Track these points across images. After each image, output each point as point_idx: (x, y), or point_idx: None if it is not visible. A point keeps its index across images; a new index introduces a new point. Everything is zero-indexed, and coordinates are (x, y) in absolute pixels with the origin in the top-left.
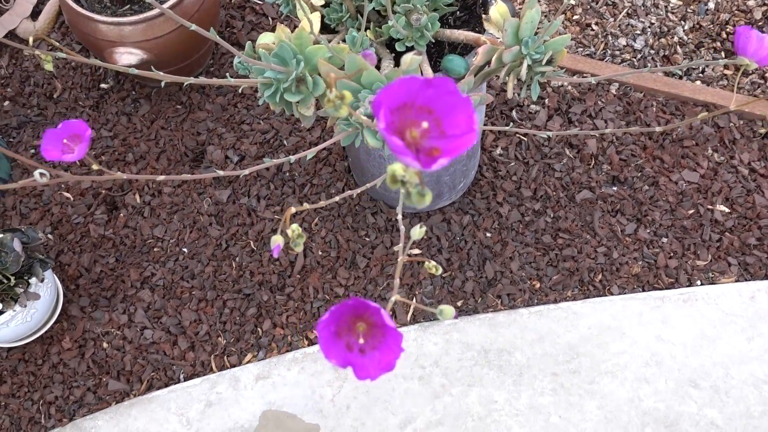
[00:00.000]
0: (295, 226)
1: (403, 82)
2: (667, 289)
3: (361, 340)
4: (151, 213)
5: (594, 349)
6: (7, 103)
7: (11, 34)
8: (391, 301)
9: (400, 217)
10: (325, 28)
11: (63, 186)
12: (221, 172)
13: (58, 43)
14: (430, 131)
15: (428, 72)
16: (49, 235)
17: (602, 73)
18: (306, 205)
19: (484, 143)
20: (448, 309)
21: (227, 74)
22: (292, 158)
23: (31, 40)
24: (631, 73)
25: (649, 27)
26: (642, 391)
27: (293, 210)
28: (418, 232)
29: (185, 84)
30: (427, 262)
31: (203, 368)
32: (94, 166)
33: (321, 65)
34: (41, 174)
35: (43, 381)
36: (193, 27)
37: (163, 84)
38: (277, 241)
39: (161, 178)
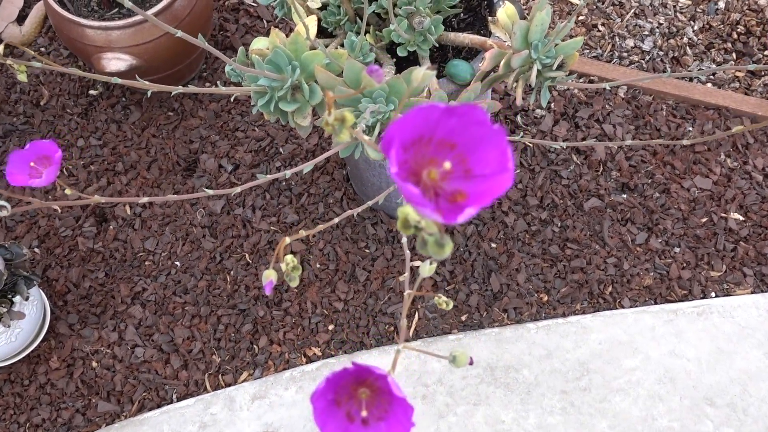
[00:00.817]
0: (289, 258)
1: (420, 112)
2: (680, 301)
3: (364, 412)
4: (141, 225)
5: (605, 366)
6: None
7: None
8: (397, 349)
9: (405, 241)
10: (322, 32)
11: (50, 197)
12: (210, 191)
13: (43, 49)
14: (453, 171)
15: (432, 79)
16: (36, 249)
17: (610, 76)
18: (302, 232)
19: None
20: (461, 356)
21: (217, 82)
22: (288, 173)
23: (1, 48)
24: (647, 79)
25: (658, 28)
26: (656, 409)
27: (288, 240)
28: (428, 268)
29: (173, 93)
30: (437, 297)
31: (197, 387)
32: (68, 191)
33: (318, 72)
34: (0, 207)
35: (29, 402)
36: (179, 33)
37: (149, 93)
38: (269, 276)
39: (144, 200)
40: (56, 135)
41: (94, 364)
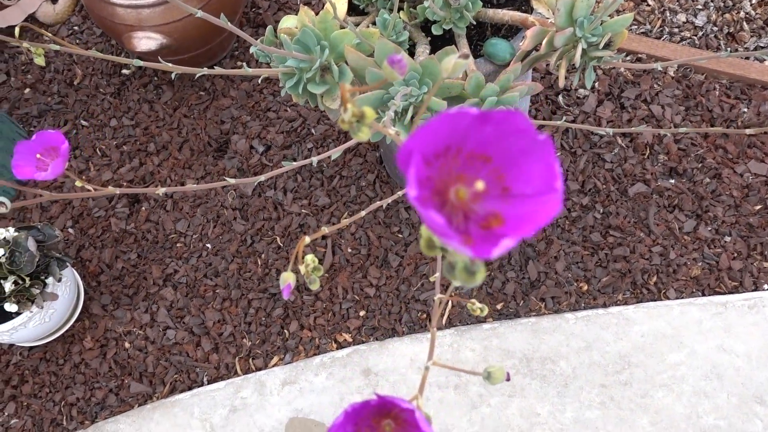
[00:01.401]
0: (309, 258)
1: (446, 119)
2: (729, 293)
3: None
4: (173, 206)
5: (647, 360)
6: (27, 90)
7: (31, 18)
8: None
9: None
10: (353, 10)
11: (84, 178)
12: (232, 180)
13: (76, 28)
14: (488, 189)
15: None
16: (70, 230)
17: (660, 54)
18: (324, 229)
19: None
20: (497, 372)
21: (244, 63)
22: (314, 160)
23: (17, 31)
24: (702, 59)
25: (712, 1)
26: (701, 406)
27: (307, 239)
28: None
29: (197, 75)
30: (470, 304)
31: (227, 371)
32: (78, 183)
33: (348, 53)
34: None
35: (64, 381)
36: (200, 14)
37: (174, 75)
38: (287, 279)
39: (161, 190)
40: (89, 115)
41: (127, 345)
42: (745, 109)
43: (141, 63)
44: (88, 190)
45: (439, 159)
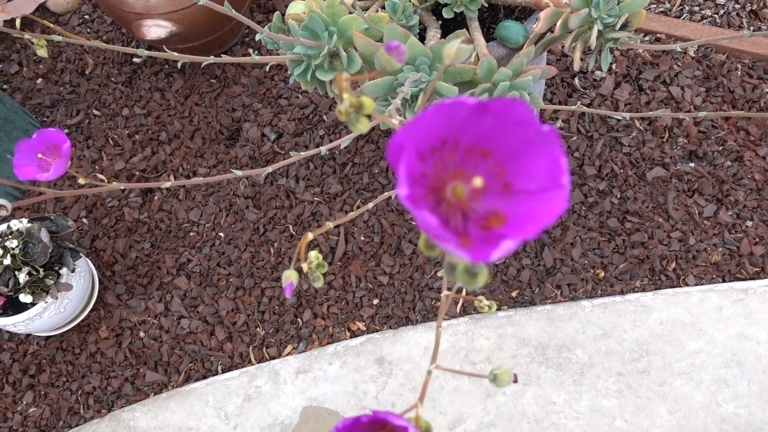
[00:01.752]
0: (313, 254)
1: (441, 109)
2: (751, 279)
3: None
4: (186, 195)
5: (666, 347)
6: (39, 80)
7: (42, 8)
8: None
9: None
10: None
11: (96, 168)
12: (239, 173)
13: (87, 17)
14: (488, 186)
15: (480, 42)
16: (84, 219)
17: (679, 33)
18: (329, 224)
19: (543, 114)
20: (504, 374)
21: (252, 51)
22: (323, 149)
23: (18, 22)
24: (725, 39)
25: None
26: (721, 395)
27: (310, 236)
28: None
29: (203, 64)
30: (477, 301)
31: (242, 360)
32: (81, 180)
33: (357, 38)
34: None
35: (81, 370)
36: (202, 1)
37: (180, 64)
38: (290, 277)
39: (167, 184)
40: (101, 104)
41: (142, 334)
42: None
43: (146, 53)
44: (93, 186)
45: (434, 153)
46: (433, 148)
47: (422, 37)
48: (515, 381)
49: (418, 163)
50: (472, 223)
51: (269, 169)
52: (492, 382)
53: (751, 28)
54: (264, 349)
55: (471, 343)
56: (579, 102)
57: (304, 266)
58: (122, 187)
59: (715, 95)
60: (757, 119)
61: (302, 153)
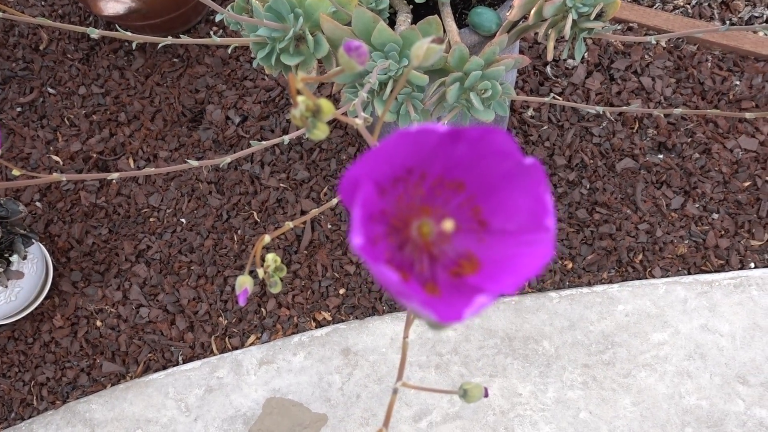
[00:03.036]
0: (270, 257)
1: (407, 137)
2: (716, 272)
3: None
4: (146, 180)
5: (631, 339)
6: None
7: None
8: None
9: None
10: None
11: (51, 149)
12: (194, 162)
13: None
14: (460, 225)
15: (452, 28)
16: (38, 203)
17: (652, 23)
18: (288, 224)
19: (514, 104)
20: (474, 390)
21: (211, 32)
22: (286, 138)
23: None
24: (699, 32)
25: None
26: (684, 386)
27: (268, 238)
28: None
29: (159, 45)
30: None
31: (203, 350)
32: (15, 172)
33: (324, 22)
34: None
35: (34, 361)
36: None
37: (134, 45)
38: (243, 284)
39: (115, 176)
40: (57, 82)
41: (99, 323)
42: (738, 82)
43: (98, 32)
44: (30, 177)
45: (397, 186)
46: (396, 179)
47: (392, 22)
48: (486, 396)
49: (378, 198)
50: (440, 268)
51: (228, 159)
52: (462, 398)
53: (726, 21)
54: (226, 339)
55: (438, 335)
56: (551, 90)
57: (260, 272)
58: (64, 179)
59: (685, 86)
60: (725, 111)
61: (264, 142)
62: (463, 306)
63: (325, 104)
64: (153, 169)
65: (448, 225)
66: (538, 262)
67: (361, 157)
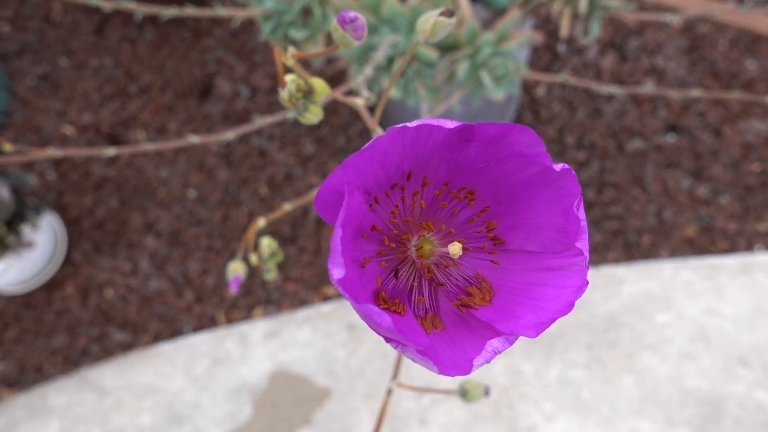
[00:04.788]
0: (266, 242)
1: (404, 134)
2: (723, 253)
3: None
4: (155, 152)
5: (636, 321)
6: (6, 28)
7: None
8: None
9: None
10: None
11: (65, 119)
12: (195, 139)
13: None
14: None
15: (464, 3)
16: (50, 174)
17: (666, 2)
18: (286, 206)
19: (525, 82)
20: (475, 388)
21: (215, 4)
22: (291, 115)
23: None
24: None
25: None
26: (686, 368)
27: (262, 222)
28: None
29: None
30: None
31: (210, 322)
32: (7, 147)
33: None
34: None
35: (48, 328)
36: None
37: (141, 16)
38: (235, 271)
39: (111, 152)
40: (69, 53)
41: (110, 293)
42: (752, 66)
43: (100, 3)
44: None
45: (392, 195)
46: (391, 187)
47: None
48: (487, 394)
49: (367, 211)
50: (444, 296)
51: (230, 135)
52: (462, 398)
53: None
54: (233, 311)
55: None
56: (563, 69)
57: (253, 258)
58: (60, 155)
59: (698, 67)
60: (738, 97)
61: (268, 118)
62: (472, 351)
63: (318, 84)
64: (153, 145)
65: (456, 248)
66: (568, 295)
67: (346, 160)
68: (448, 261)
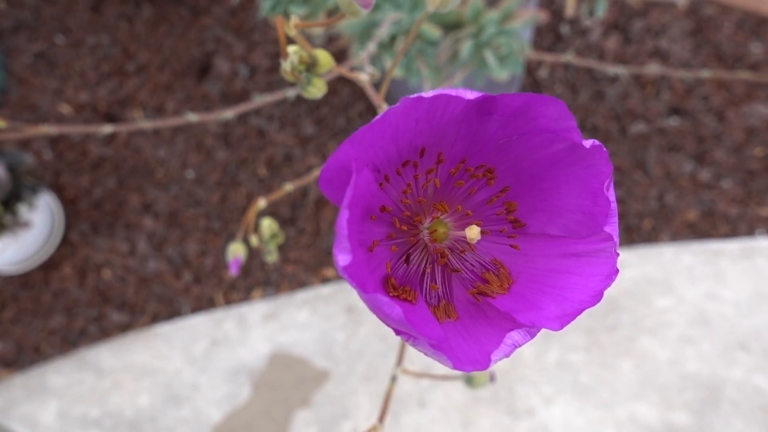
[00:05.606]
0: (266, 223)
1: (419, 105)
2: (724, 238)
3: None
4: (153, 132)
5: (636, 305)
6: (2, 5)
7: None
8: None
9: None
10: None
11: (61, 98)
12: (194, 117)
13: None
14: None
15: None
16: (47, 154)
17: None
18: (287, 186)
19: (528, 63)
20: (479, 377)
21: None
22: (291, 93)
23: None
24: None
25: None
26: (685, 352)
27: (262, 203)
28: None
29: None
30: None
31: (209, 303)
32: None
33: None
34: None
35: (45, 308)
36: None
37: None
38: (235, 252)
39: (108, 129)
40: (66, 31)
41: (107, 273)
42: (756, 49)
43: None
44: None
45: (404, 173)
46: (403, 164)
47: None
48: (492, 380)
49: (377, 190)
50: (458, 283)
51: (229, 114)
52: (467, 384)
53: None
54: (232, 293)
55: None
56: (565, 51)
57: (253, 239)
58: (55, 131)
59: (702, 49)
60: (746, 78)
61: (267, 97)
62: (489, 344)
63: (323, 56)
64: (149, 122)
65: (474, 231)
66: (595, 284)
67: (355, 134)
68: (463, 245)
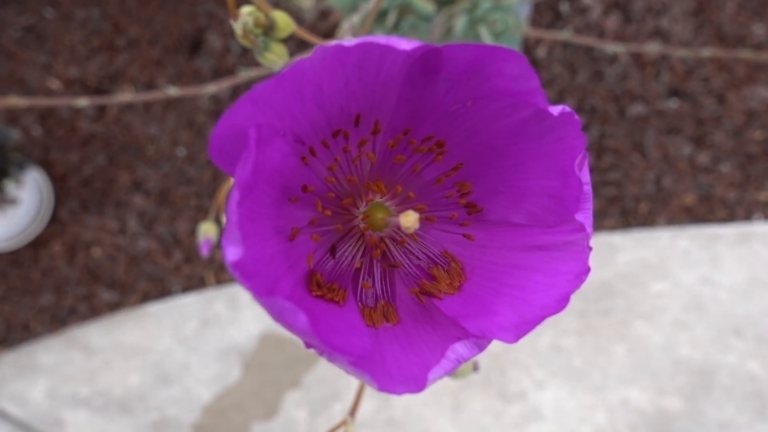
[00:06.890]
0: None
1: (344, 55)
2: (721, 222)
3: None
4: (144, 108)
5: (630, 289)
6: None
7: None
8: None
9: None
10: None
11: (51, 72)
12: (175, 91)
13: None
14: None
15: None
16: (36, 129)
17: None
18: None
19: (525, 42)
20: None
21: None
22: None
23: None
24: None
25: None
26: (679, 337)
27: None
28: None
29: None
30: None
31: (200, 282)
32: None
33: None
34: None
35: (35, 286)
36: None
37: None
38: (206, 233)
39: (83, 103)
40: (55, 4)
41: (97, 252)
42: (759, 29)
43: None
44: None
45: (334, 144)
46: (335, 133)
47: None
48: (475, 369)
49: (298, 165)
50: (400, 280)
51: (212, 88)
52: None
53: None
54: (223, 272)
55: None
56: (564, 30)
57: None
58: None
59: (704, 29)
60: (747, 59)
61: (253, 71)
62: (432, 357)
63: (282, 18)
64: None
65: (409, 219)
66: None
67: (256, 91)
68: (406, 234)
